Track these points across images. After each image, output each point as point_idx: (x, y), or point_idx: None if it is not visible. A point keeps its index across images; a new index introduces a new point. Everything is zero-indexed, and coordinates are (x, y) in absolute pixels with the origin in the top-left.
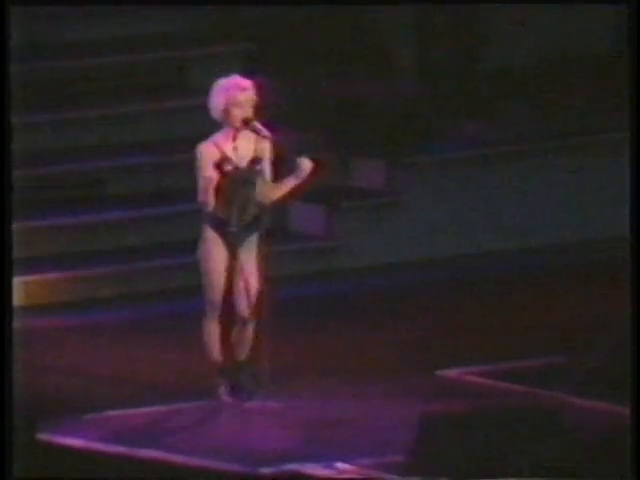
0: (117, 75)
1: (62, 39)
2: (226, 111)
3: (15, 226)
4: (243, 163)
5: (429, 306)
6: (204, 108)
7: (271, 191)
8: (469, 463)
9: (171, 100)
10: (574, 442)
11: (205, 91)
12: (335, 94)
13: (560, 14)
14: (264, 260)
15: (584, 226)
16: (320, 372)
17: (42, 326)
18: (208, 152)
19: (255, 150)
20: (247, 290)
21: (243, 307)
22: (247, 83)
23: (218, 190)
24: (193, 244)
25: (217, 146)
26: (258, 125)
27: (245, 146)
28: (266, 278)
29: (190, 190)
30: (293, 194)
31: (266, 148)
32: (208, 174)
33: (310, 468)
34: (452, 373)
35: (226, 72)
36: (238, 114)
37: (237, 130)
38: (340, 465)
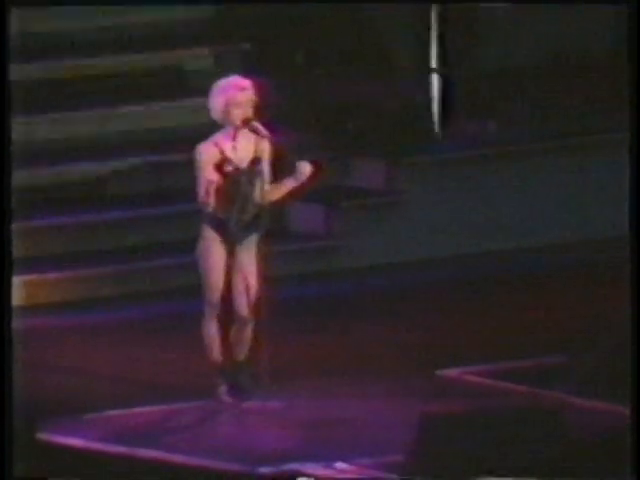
0: (117, 75)
1: (62, 39)
2: (226, 111)
3: (15, 226)
4: (243, 163)
5: (429, 306)
6: (204, 108)
7: (269, 192)
8: (469, 463)
9: (171, 100)
10: (574, 442)
11: (205, 91)
12: (335, 94)
13: (560, 14)
14: (264, 260)
15: (584, 226)
16: (320, 372)
17: (42, 326)
18: (208, 153)
19: (255, 150)
20: (246, 290)
21: (242, 307)
22: (247, 83)
23: (218, 190)
24: (193, 244)
25: (217, 146)
26: (258, 125)
27: (245, 146)
28: (266, 278)
29: (190, 190)
30: (292, 196)
31: (266, 148)
32: (209, 176)
33: (310, 468)
34: (452, 373)
35: (226, 72)
36: (238, 114)
37: (237, 130)
38: (340, 465)
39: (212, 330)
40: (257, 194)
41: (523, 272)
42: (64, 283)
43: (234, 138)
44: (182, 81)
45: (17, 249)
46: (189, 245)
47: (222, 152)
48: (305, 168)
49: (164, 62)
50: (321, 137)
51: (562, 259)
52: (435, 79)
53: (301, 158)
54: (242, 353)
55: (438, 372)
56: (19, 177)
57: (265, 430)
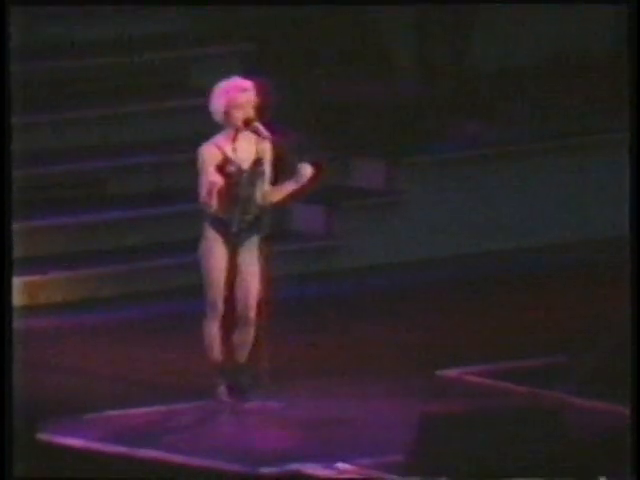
0: (117, 75)
1: (62, 39)
2: (227, 113)
3: (15, 226)
4: (244, 164)
5: (429, 306)
6: (204, 108)
7: (271, 194)
8: (469, 463)
9: (171, 100)
10: (574, 442)
11: (205, 91)
12: (335, 94)
13: (560, 14)
14: (265, 260)
15: (584, 226)
16: (320, 372)
17: (42, 326)
18: (210, 154)
19: (256, 151)
20: (247, 290)
21: (243, 307)
22: (247, 84)
23: (220, 191)
24: (193, 244)
25: (219, 148)
26: (259, 126)
27: (246, 147)
28: (266, 278)
29: (190, 190)
30: (293, 197)
31: (267, 149)
32: (211, 178)
33: (310, 468)
34: (452, 373)
35: (226, 72)
36: (239, 115)
37: (238, 131)
38: (340, 465)
39: (213, 330)
40: (258, 195)
41: (523, 272)
42: (64, 283)
43: (235, 139)
44: (182, 81)
45: (17, 249)
46: (189, 245)
47: (223, 153)
48: (306, 170)
49: (164, 62)
50: (321, 137)
51: (562, 259)
52: (435, 79)
53: (302, 159)
54: (243, 353)
55: (438, 372)
56: (19, 177)
57: (265, 430)
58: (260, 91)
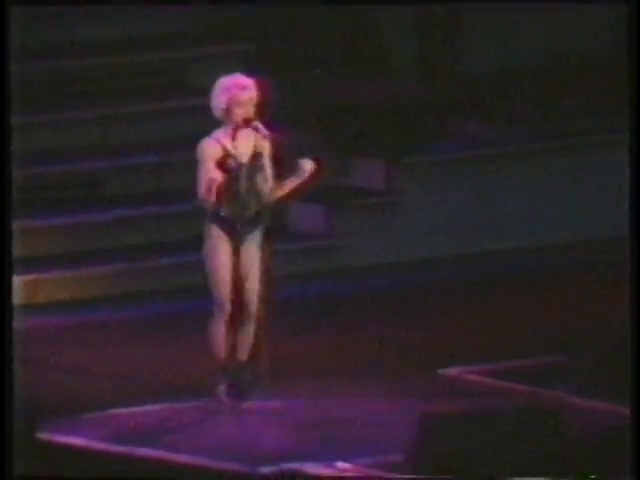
0: (117, 75)
1: (62, 39)
2: (228, 110)
3: (15, 226)
4: (244, 159)
5: (429, 306)
6: (204, 108)
7: (272, 191)
8: (469, 463)
9: (171, 100)
10: (574, 442)
11: (205, 91)
12: (335, 94)
13: (560, 14)
14: (265, 260)
15: (584, 226)
16: (320, 372)
17: (42, 326)
18: (210, 148)
19: (255, 146)
20: (251, 287)
21: (246, 304)
22: (248, 82)
23: (220, 187)
24: (193, 243)
25: (219, 142)
26: (259, 125)
27: (245, 143)
28: (267, 278)
29: (190, 190)
30: (294, 195)
31: (266, 147)
32: (211, 174)
33: (310, 468)
34: (453, 372)
35: (226, 72)
36: (239, 113)
37: (237, 128)
38: (340, 464)
39: (221, 329)
40: (259, 190)
41: (523, 272)
42: (64, 282)
43: (234, 136)
44: (182, 81)
45: (17, 249)
46: (189, 245)
47: (224, 148)
48: (307, 165)
49: (164, 62)
50: (321, 137)
51: (562, 259)
52: (435, 79)
53: (301, 156)
54: (243, 353)
55: (439, 371)
56: (19, 177)
57: (265, 430)
58: (261, 89)
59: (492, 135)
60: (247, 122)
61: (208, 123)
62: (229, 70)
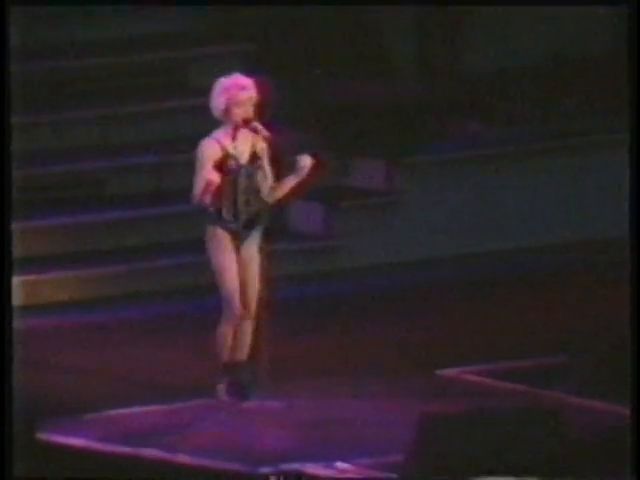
0: (117, 75)
1: (62, 39)
2: (227, 110)
3: (15, 226)
4: (243, 160)
5: (429, 306)
6: (204, 108)
7: (273, 191)
8: (469, 463)
9: (171, 100)
10: (574, 442)
11: (205, 91)
12: (335, 94)
13: (560, 14)
14: (265, 260)
15: (584, 226)
16: (320, 372)
17: (42, 326)
18: (210, 149)
19: (252, 145)
20: (248, 289)
21: (248, 304)
22: (248, 82)
23: (219, 189)
24: (193, 244)
25: (219, 143)
26: (258, 125)
27: (245, 144)
28: (266, 278)
29: (190, 190)
30: (295, 193)
31: (265, 147)
32: (209, 177)
33: (310, 468)
34: (452, 373)
35: (226, 72)
36: (238, 113)
37: (237, 129)
38: (340, 465)
39: (229, 330)
40: (259, 190)
41: (523, 272)
42: (64, 283)
43: (234, 137)
44: (182, 81)
45: (17, 249)
46: (189, 246)
47: (224, 149)
48: (306, 161)
49: (164, 62)
50: (321, 137)
51: (562, 259)
52: (435, 79)
53: (301, 154)
54: (243, 353)
55: (438, 372)
56: (19, 177)
57: (265, 430)
58: (260, 89)
59: (492, 135)
60: (246, 122)
61: (208, 123)
62: (229, 70)
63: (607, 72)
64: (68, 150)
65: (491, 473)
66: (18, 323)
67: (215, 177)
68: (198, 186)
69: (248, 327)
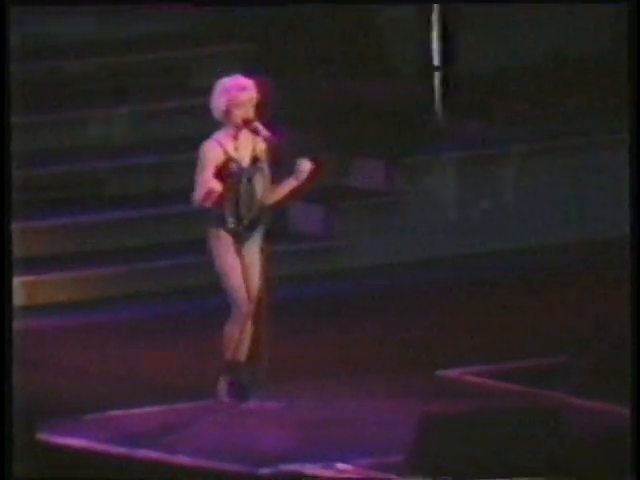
0: (117, 75)
1: (62, 39)
2: (227, 112)
3: (15, 226)
4: (244, 162)
5: (429, 306)
6: (204, 108)
7: (271, 193)
8: (469, 463)
9: (171, 100)
10: (574, 442)
11: (205, 91)
12: (335, 94)
13: (560, 14)
14: (265, 260)
15: (584, 226)
16: (320, 372)
17: (42, 326)
18: (212, 152)
19: (253, 149)
20: (249, 290)
21: (250, 304)
22: (248, 83)
23: (220, 197)
24: (193, 245)
25: (221, 145)
26: (259, 126)
27: (246, 146)
28: (266, 278)
29: (190, 190)
30: (294, 195)
31: (264, 148)
32: (210, 184)
33: (310, 468)
34: (452, 373)
35: (226, 72)
36: (239, 114)
37: (238, 130)
38: (340, 465)
39: (236, 330)
40: (259, 193)
41: (523, 272)
42: (64, 283)
43: (235, 138)
44: (182, 81)
45: (17, 249)
46: (188, 246)
47: (226, 152)
48: (305, 166)
49: (164, 62)
50: (321, 137)
51: (562, 259)
52: (435, 79)
53: (301, 157)
54: (243, 352)
55: (438, 372)
56: (19, 177)
57: (265, 430)
58: (261, 89)
59: (492, 135)
60: (247, 123)
61: (208, 123)
62: (229, 70)
63: (607, 72)
64: (68, 150)
65: (491, 473)
66: (18, 323)
67: (216, 185)
68: (199, 191)
69: (249, 327)
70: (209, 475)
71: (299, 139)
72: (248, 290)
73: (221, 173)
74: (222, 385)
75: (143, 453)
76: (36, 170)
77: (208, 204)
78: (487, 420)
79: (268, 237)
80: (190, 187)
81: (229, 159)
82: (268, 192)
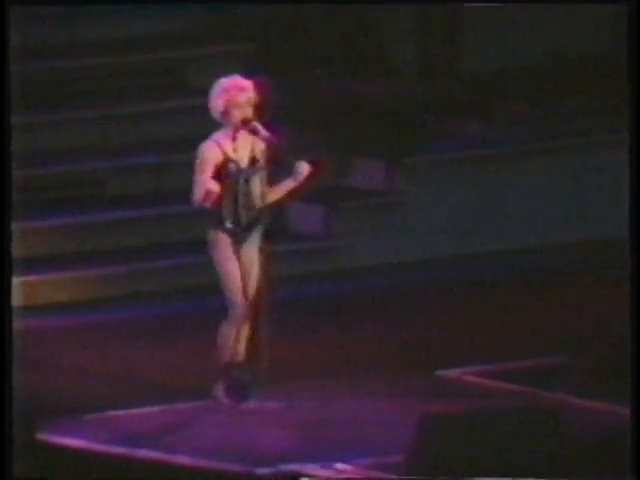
0: (117, 75)
1: (62, 39)
2: (226, 112)
3: (15, 226)
4: (243, 163)
5: (429, 306)
6: (204, 108)
7: (269, 193)
8: (469, 463)
9: (171, 100)
10: (574, 442)
11: (204, 91)
12: (335, 94)
13: (560, 14)
14: (265, 260)
15: (584, 226)
16: (320, 372)
17: (42, 326)
18: (211, 152)
19: (252, 150)
20: (248, 290)
21: (249, 305)
22: (247, 83)
23: (219, 198)
24: (193, 244)
25: (219, 146)
26: (257, 126)
27: (244, 146)
28: (266, 278)
29: (190, 190)
30: (291, 196)
31: (263, 149)
32: (208, 185)
33: (309, 468)
34: (452, 373)
35: (226, 72)
36: (238, 115)
37: (236, 130)
38: (339, 465)
39: (233, 331)
40: (258, 192)
41: (523, 272)
42: (64, 283)
43: (234, 138)
44: (182, 81)
45: (17, 249)
46: (188, 246)
47: (224, 152)
48: (303, 168)
49: (164, 62)
50: (321, 137)
51: (562, 259)
52: (435, 79)
53: (299, 158)
54: (243, 353)
55: (438, 372)
56: (19, 177)
57: (265, 430)
58: (259, 90)
59: (492, 135)
60: (245, 123)
61: (208, 123)
62: (229, 70)
63: (607, 72)
64: (68, 150)
65: (491, 473)
66: (18, 323)
67: (214, 186)
68: (197, 192)
69: (246, 327)
70: (209, 475)
71: (299, 139)
72: (245, 291)
73: (219, 174)
74: (221, 385)
75: (143, 453)
76: (36, 170)
77: (207, 205)
78: (487, 420)
79: (268, 237)
80: (190, 187)
81: (227, 160)
82: (266, 193)
